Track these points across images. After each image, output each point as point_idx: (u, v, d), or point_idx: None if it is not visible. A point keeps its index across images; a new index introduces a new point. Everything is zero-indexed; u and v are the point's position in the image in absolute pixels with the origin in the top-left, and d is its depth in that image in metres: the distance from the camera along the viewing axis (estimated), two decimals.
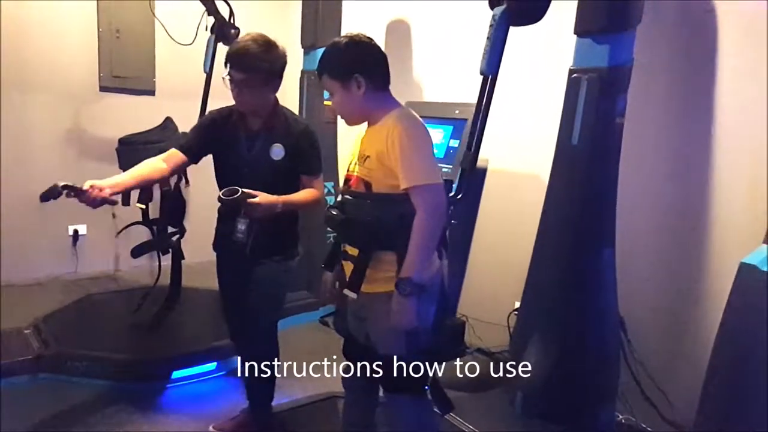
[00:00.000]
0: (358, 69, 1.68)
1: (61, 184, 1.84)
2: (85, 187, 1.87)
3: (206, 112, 3.03)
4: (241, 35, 2.13)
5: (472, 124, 2.28)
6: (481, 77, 2.23)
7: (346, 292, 1.73)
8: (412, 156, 1.62)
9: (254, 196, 1.98)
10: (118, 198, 2.01)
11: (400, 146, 1.61)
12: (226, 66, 2.08)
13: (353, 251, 1.75)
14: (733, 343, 1.88)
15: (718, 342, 1.93)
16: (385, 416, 1.95)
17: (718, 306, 2.04)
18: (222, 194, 1.99)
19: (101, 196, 1.89)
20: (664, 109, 2.57)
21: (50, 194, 1.84)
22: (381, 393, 1.89)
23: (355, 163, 1.77)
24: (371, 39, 1.75)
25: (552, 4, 2.18)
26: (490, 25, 2.16)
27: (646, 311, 2.58)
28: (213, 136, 2.18)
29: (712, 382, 1.92)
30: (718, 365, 1.91)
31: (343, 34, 1.81)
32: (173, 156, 2.15)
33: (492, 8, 2.22)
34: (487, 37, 2.16)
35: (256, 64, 2.03)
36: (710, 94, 2.41)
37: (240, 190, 1.97)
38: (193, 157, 2.19)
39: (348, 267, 1.78)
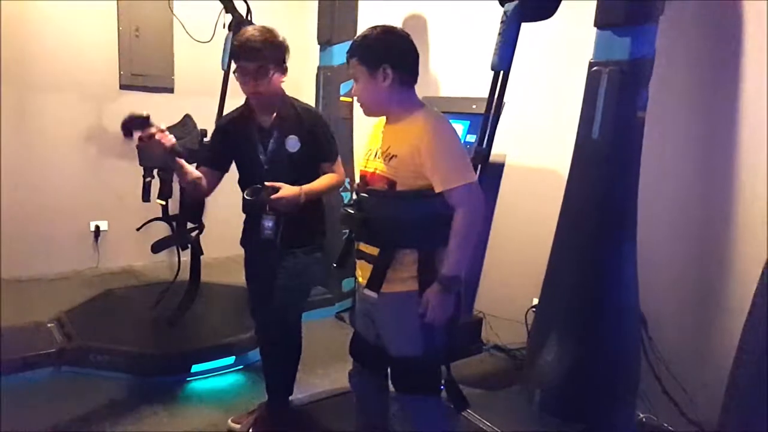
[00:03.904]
0: (389, 60, 1.65)
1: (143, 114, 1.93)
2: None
3: (224, 109, 3.09)
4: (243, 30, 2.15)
5: (484, 120, 2.29)
6: (494, 73, 2.22)
7: (367, 292, 1.71)
8: (449, 157, 1.61)
9: (277, 190, 2.01)
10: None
11: (436, 149, 1.60)
12: (235, 61, 2.10)
13: (371, 250, 1.73)
14: (758, 341, 1.83)
15: (743, 340, 1.89)
16: (400, 416, 1.94)
17: (743, 303, 2.00)
18: (246, 194, 2.02)
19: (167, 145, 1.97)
20: (687, 103, 2.52)
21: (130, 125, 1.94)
22: (393, 391, 1.88)
23: (375, 159, 1.73)
24: (408, 34, 1.72)
25: None
26: (502, 21, 2.15)
27: (668, 309, 2.54)
28: (230, 141, 2.22)
29: (736, 381, 1.88)
30: (743, 364, 1.86)
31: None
32: (205, 175, 2.19)
33: (502, 5, 2.22)
34: (499, 33, 2.16)
35: (264, 48, 2.06)
36: (735, 88, 2.36)
37: (261, 188, 1.99)
38: (220, 169, 2.24)
39: (364, 266, 1.77)
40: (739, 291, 2.30)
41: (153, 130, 1.94)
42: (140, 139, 1.94)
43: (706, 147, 2.48)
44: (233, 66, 2.14)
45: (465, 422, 2.36)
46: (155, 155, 1.99)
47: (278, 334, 2.26)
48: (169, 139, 1.97)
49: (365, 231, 1.73)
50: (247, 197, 2.02)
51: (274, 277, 2.19)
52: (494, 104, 2.27)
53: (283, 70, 2.15)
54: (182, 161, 2.04)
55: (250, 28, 2.11)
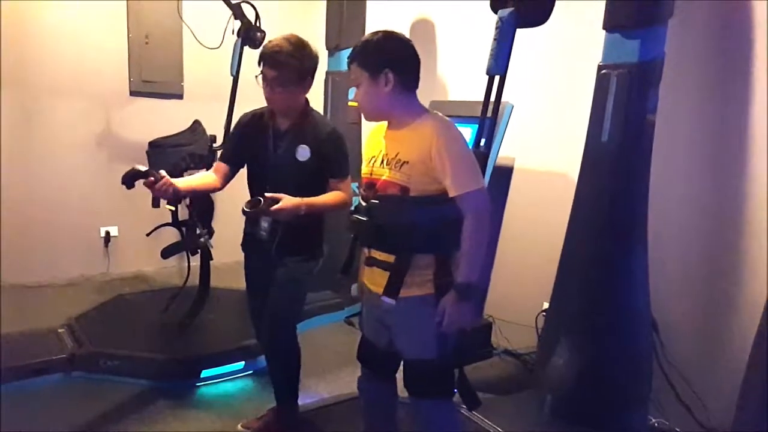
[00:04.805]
0: (390, 65, 1.65)
1: (142, 168, 2.01)
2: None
3: (233, 115, 3.10)
4: (273, 37, 2.17)
5: (480, 123, 2.30)
6: (493, 77, 2.25)
7: (385, 299, 1.69)
8: (460, 163, 1.61)
9: (277, 201, 1.99)
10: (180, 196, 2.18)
11: (448, 154, 1.60)
12: (259, 65, 2.12)
13: (385, 257, 1.71)
14: None
15: (756, 343, 1.87)
16: (413, 420, 1.93)
17: (756, 307, 1.98)
18: (245, 206, 2.02)
19: (171, 190, 2.03)
20: (698, 106, 2.50)
21: (130, 177, 2.02)
22: (402, 396, 1.87)
23: (383, 166, 1.71)
24: (409, 39, 1.72)
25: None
26: (497, 27, 2.18)
27: (680, 313, 2.52)
28: (246, 138, 2.25)
29: (750, 382, 1.86)
30: (757, 364, 1.84)
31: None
32: (219, 168, 2.27)
33: (495, 11, 2.25)
34: (494, 38, 2.19)
35: (288, 61, 2.07)
36: (745, 90, 2.34)
37: (261, 200, 1.98)
38: (234, 165, 2.27)
39: (377, 273, 1.75)
40: (751, 292, 2.28)
41: (153, 179, 2.01)
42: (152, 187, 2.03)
43: (716, 149, 2.46)
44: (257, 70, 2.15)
45: (476, 427, 2.35)
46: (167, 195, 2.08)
47: (272, 341, 2.28)
48: (170, 184, 2.04)
49: (379, 238, 1.72)
50: (246, 209, 2.01)
51: (268, 283, 2.20)
52: (491, 108, 2.29)
53: (305, 83, 2.15)
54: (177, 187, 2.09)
55: (281, 36, 2.13)
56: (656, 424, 2.46)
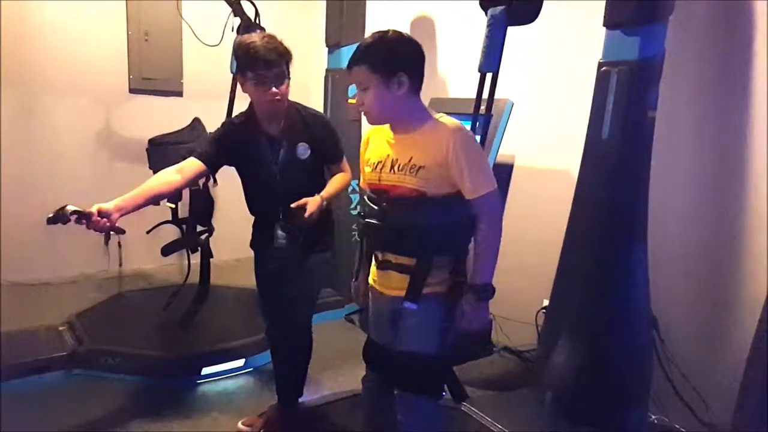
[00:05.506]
0: (404, 67, 1.61)
1: (71, 209, 1.82)
2: (93, 209, 1.85)
3: (233, 113, 3.10)
4: (240, 37, 2.14)
5: (472, 120, 2.33)
6: (488, 75, 2.27)
7: (407, 304, 1.67)
8: (477, 166, 1.61)
9: (304, 206, 2.01)
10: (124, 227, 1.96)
11: (465, 158, 1.58)
12: (251, 69, 2.03)
13: (402, 260, 1.70)
14: None
15: (755, 341, 1.87)
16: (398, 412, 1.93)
17: (756, 305, 1.98)
18: (288, 224, 2.05)
19: (108, 224, 1.86)
20: (698, 104, 2.50)
21: (58, 218, 1.83)
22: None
23: (394, 172, 1.66)
24: (416, 41, 1.69)
25: None
26: (488, 25, 2.19)
27: (680, 310, 2.52)
28: (232, 147, 2.15)
29: (750, 380, 1.86)
30: (757, 363, 1.85)
31: (373, 30, 1.72)
32: (190, 165, 2.10)
33: (484, 9, 2.25)
34: (486, 36, 2.19)
35: (286, 54, 2.06)
36: (745, 87, 2.34)
37: (293, 214, 2.00)
38: (212, 167, 2.16)
39: (392, 276, 1.73)
40: (752, 289, 2.28)
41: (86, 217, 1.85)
42: (87, 226, 1.88)
43: (716, 146, 2.46)
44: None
45: (476, 424, 2.36)
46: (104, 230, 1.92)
47: (289, 334, 2.27)
48: (106, 218, 1.88)
49: (397, 241, 1.69)
50: (290, 225, 2.04)
51: (285, 277, 2.19)
52: (485, 105, 2.31)
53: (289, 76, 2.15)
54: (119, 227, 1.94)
55: (255, 36, 2.07)
56: (656, 421, 2.47)
